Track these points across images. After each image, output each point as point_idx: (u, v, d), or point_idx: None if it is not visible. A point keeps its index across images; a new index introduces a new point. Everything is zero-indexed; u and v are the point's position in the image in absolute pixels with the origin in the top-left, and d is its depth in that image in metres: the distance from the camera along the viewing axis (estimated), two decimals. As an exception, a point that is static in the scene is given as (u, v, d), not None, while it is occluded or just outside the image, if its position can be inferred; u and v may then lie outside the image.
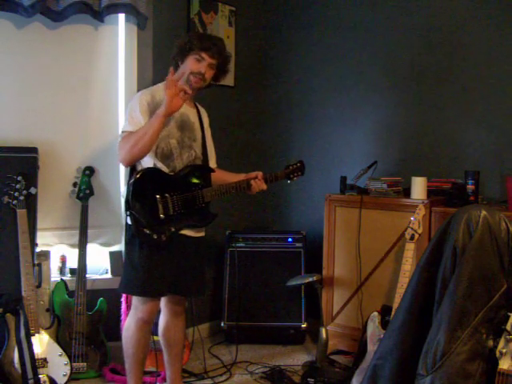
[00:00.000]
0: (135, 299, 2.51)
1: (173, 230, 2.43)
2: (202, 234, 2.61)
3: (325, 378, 2.89)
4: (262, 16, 4.02)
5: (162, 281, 2.45)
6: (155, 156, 2.46)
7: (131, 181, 2.39)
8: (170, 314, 2.64)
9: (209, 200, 2.51)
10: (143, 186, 2.39)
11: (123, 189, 2.54)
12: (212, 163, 2.72)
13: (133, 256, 2.44)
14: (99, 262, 3.31)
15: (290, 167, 2.74)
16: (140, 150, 2.37)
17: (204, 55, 2.48)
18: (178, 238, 2.47)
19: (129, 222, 2.44)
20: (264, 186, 2.62)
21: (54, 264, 3.14)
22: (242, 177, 2.64)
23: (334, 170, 3.68)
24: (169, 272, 2.47)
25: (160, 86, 2.54)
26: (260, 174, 2.63)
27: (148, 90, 2.55)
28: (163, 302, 2.63)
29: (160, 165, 2.46)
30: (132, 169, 2.50)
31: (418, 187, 3.02)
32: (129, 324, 2.51)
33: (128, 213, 2.39)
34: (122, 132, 2.45)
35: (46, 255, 2.99)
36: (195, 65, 2.48)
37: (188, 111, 2.57)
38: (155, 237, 2.38)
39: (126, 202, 2.40)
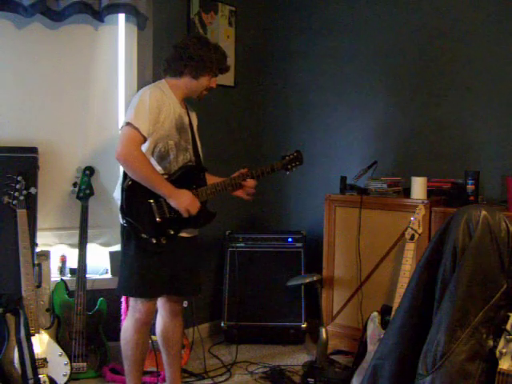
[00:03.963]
0: (132, 300, 2.50)
1: (172, 232, 2.43)
2: (195, 233, 2.61)
3: (325, 378, 2.89)
4: (261, 16, 4.02)
5: (158, 281, 2.45)
6: (152, 155, 2.44)
7: (124, 186, 2.37)
8: (168, 315, 2.64)
9: (205, 199, 2.50)
10: (136, 191, 2.37)
11: (116, 193, 2.50)
12: None
13: (129, 257, 2.43)
14: (99, 261, 3.31)
15: (287, 157, 2.70)
16: (134, 174, 2.35)
17: (219, 73, 2.60)
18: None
19: (122, 223, 2.42)
20: (253, 184, 2.64)
21: (54, 264, 3.14)
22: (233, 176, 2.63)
23: (334, 170, 3.68)
24: (165, 272, 2.46)
25: (164, 85, 2.52)
26: (246, 170, 2.63)
27: (157, 87, 2.48)
28: (160, 303, 2.62)
29: (155, 164, 2.43)
30: (126, 172, 2.44)
31: (418, 187, 3.02)
32: (127, 326, 2.50)
33: (124, 220, 2.37)
34: (128, 124, 2.34)
35: (46, 255, 2.99)
36: (209, 81, 2.56)
37: (182, 113, 2.55)
38: (154, 241, 2.37)
39: (121, 208, 2.38)
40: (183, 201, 2.40)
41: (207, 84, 2.56)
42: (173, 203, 2.39)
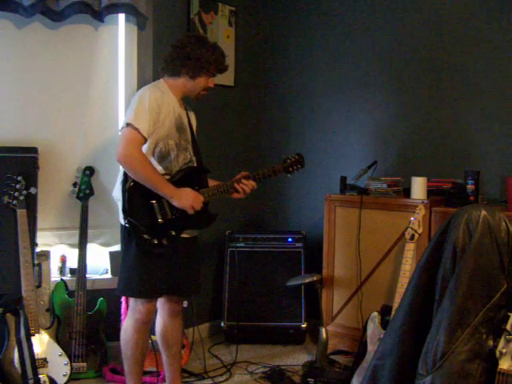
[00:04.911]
0: (132, 300, 2.50)
1: (173, 233, 2.42)
2: (195, 234, 2.61)
3: (325, 378, 2.89)
4: (262, 16, 4.02)
5: (158, 282, 2.45)
6: (152, 155, 2.44)
7: (126, 187, 2.37)
8: (168, 315, 2.64)
9: (207, 201, 2.50)
10: (138, 192, 2.36)
11: (115, 192, 2.50)
12: None
13: (130, 258, 2.43)
14: (99, 261, 3.31)
15: (288, 160, 2.65)
16: (135, 175, 2.34)
17: (217, 73, 2.59)
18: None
19: (122, 223, 2.42)
20: (254, 185, 2.59)
21: (54, 264, 3.14)
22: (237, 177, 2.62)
23: (334, 169, 3.68)
24: (165, 273, 2.46)
25: (163, 85, 2.52)
26: (248, 173, 2.61)
27: (156, 87, 2.48)
28: (160, 303, 2.62)
29: (155, 164, 2.43)
30: (126, 172, 2.43)
31: (418, 187, 3.02)
32: (127, 326, 2.50)
33: (126, 220, 2.37)
34: (128, 124, 2.33)
35: (46, 255, 2.99)
36: (207, 81, 2.55)
37: (181, 113, 2.55)
38: (156, 242, 2.37)
39: (123, 209, 2.37)
40: (186, 199, 2.40)
41: (205, 84, 2.55)
42: (176, 203, 2.39)
